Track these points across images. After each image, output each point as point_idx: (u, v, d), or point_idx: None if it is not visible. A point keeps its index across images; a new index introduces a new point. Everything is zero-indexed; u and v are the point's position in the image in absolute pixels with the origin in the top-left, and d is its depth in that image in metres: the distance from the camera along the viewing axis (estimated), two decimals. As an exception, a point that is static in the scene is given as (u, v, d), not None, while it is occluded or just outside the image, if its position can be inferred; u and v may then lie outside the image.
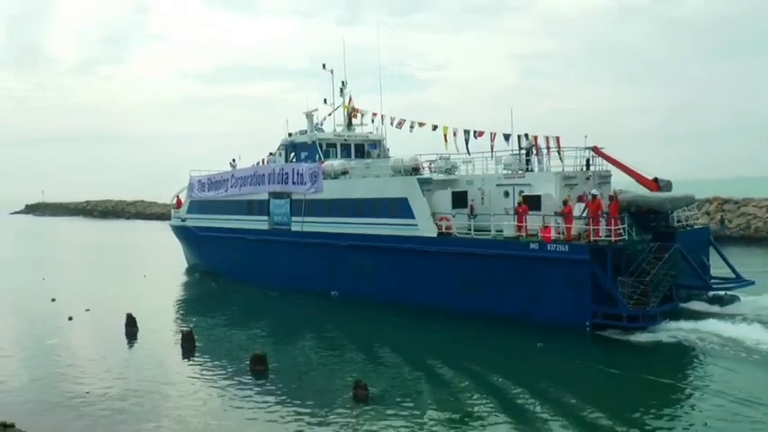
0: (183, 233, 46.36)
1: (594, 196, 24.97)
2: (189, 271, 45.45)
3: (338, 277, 33.64)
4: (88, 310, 31.84)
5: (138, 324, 27.36)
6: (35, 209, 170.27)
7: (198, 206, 44.56)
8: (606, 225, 24.23)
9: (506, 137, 31.55)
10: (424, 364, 21.60)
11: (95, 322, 29.87)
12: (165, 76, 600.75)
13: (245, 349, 23.43)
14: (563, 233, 25.27)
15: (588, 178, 28.83)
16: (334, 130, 39.51)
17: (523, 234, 26.44)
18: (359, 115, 39.62)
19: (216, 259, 43.13)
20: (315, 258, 35.10)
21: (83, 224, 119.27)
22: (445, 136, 34.36)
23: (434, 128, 35.26)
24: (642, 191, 29.95)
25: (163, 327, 28.43)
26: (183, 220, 45.76)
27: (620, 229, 24.23)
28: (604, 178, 29.78)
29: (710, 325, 23.16)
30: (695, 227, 29.66)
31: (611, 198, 25.87)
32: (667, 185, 30.17)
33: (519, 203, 27.16)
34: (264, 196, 38.80)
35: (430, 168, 34.04)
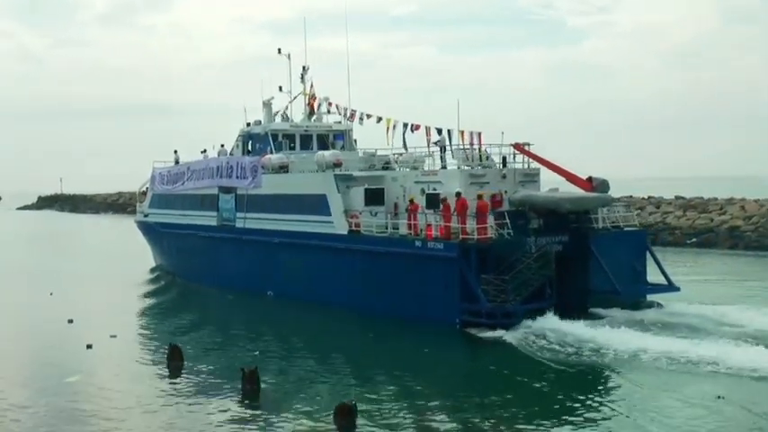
0: (146, 229, 56.69)
1: (459, 194, 32.78)
2: (153, 271, 55.49)
3: (273, 276, 42.61)
4: (114, 336, 32.88)
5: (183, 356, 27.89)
6: (51, 202, 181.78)
7: (158, 200, 54.68)
8: (475, 223, 32.17)
9: (439, 131, 39.71)
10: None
11: (125, 353, 30.47)
12: (226, 27, 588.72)
13: (322, 393, 24.29)
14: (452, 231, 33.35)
15: (505, 176, 36.54)
16: (291, 120, 48.48)
17: (411, 232, 34.68)
18: (315, 104, 48.45)
19: (175, 258, 53.09)
20: (253, 256, 44.26)
21: (112, 222, 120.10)
22: (387, 129, 42.88)
23: (378, 120, 43.78)
24: (576, 190, 37.45)
25: (214, 360, 28.92)
26: (146, 216, 56.13)
27: (487, 226, 32.11)
28: (530, 176, 37.25)
29: (574, 326, 30.60)
30: (625, 229, 36.97)
31: (493, 196, 33.71)
32: (602, 185, 37.39)
33: (410, 201, 35.36)
34: (215, 191, 48.36)
35: (396, 162, 42.73)
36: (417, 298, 33.81)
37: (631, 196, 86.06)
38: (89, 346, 30.53)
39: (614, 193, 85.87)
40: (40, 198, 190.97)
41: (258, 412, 22.54)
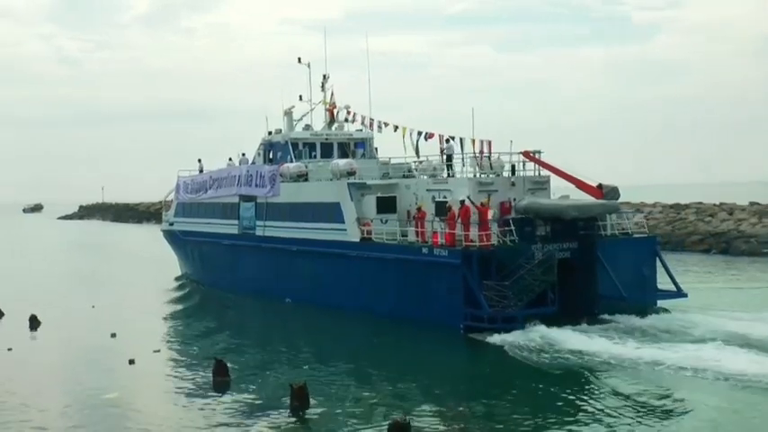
0: (171, 238, 58.95)
1: (462, 202, 34.24)
2: (178, 279, 57.69)
3: (291, 283, 44.43)
4: (158, 351, 33.18)
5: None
6: (93, 211, 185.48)
7: (182, 209, 56.93)
8: (479, 231, 33.56)
9: (447, 140, 41.15)
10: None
11: (169, 369, 30.53)
12: (271, 28, 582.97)
13: (371, 409, 24.24)
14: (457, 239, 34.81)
15: (514, 184, 37.86)
16: (311, 129, 50.25)
17: (419, 239, 36.20)
18: (335, 112, 50.15)
19: (198, 265, 55.20)
20: (272, 263, 46.12)
21: (156, 233, 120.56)
22: (403, 137, 44.44)
23: (396, 128, 45.35)
24: (585, 197, 38.66)
25: (260, 375, 29.03)
26: (171, 224, 58.40)
27: (490, 233, 33.48)
28: (539, 184, 38.55)
29: (575, 332, 31.79)
30: (634, 236, 38.10)
31: (501, 204, 35.16)
32: (612, 192, 38.56)
33: (418, 209, 36.90)
34: (236, 199, 50.33)
35: (416, 170, 44.35)
36: (424, 303, 35.32)
37: (701, 203, 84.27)
38: (131, 362, 30.69)
39: (682, 200, 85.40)
40: (81, 207, 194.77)
41: (308, 430, 22.75)
